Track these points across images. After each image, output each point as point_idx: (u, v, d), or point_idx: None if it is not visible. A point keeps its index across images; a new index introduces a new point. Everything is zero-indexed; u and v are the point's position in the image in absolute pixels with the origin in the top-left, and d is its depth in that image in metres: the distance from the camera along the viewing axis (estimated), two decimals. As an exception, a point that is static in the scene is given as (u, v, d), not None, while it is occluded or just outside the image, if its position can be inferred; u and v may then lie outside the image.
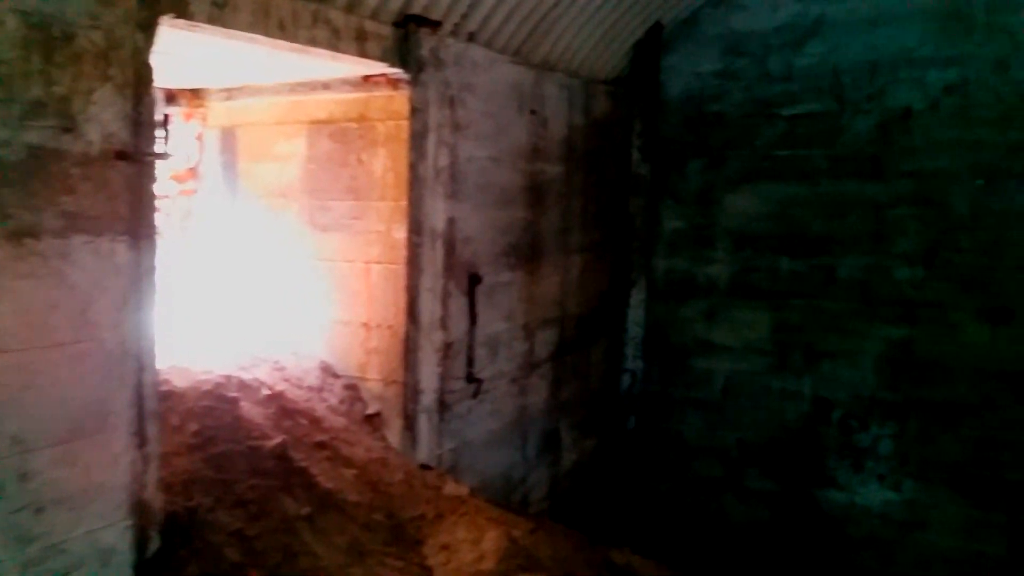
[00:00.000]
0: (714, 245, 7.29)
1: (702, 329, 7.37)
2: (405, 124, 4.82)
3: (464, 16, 5.01)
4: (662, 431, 7.57)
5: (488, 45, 5.35)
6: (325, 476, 4.38)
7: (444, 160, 4.96)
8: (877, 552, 6.82)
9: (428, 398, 4.92)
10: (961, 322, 6.43)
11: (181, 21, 3.38)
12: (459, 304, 5.19)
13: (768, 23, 6.90)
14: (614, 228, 7.30)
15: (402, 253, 4.84)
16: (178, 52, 3.96)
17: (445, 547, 4.24)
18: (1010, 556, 6.35)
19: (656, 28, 6.94)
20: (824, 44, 6.72)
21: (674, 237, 7.45)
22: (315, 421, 4.80)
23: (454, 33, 5.02)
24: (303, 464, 4.31)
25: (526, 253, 5.97)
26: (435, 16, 4.79)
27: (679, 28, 7.19)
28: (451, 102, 5.01)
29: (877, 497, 6.80)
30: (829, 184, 6.81)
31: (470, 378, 5.31)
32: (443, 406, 5.07)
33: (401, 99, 4.84)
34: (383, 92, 4.96)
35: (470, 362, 5.30)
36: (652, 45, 7.03)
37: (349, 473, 4.55)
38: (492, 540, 4.20)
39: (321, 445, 4.57)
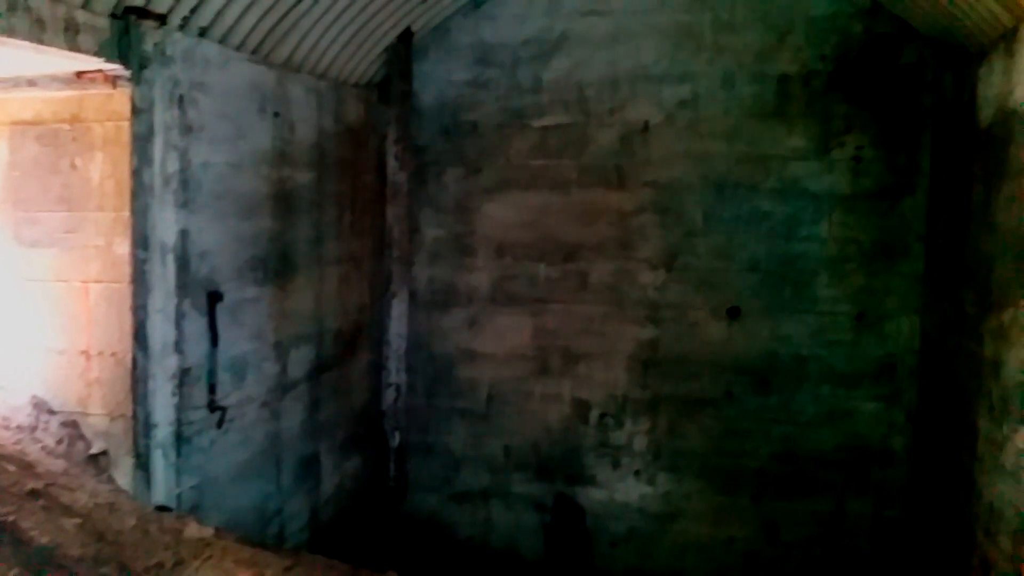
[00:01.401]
0: (475, 253, 7.29)
1: (465, 338, 7.34)
2: (126, 126, 4.41)
3: (193, 10, 4.60)
4: (428, 445, 7.45)
5: (223, 42, 4.94)
6: (40, 530, 3.81)
7: (174, 165, 4.51)
8: (637, 546, 7.12)
9: (163, 432, 4.42)
10: (700, 320, 6.88)
11: None
12: (197, 325, 4.73)
13: (517, 36, 7.01)
14: (373, 237, 7.08)
15: (126, 270, 4.35)
16: None
17: (186, 598, 3.82)
18: (756, 537, 6.87)
19: (407, 34, 6.81)
20: (569, 59, 6.94)
21: (435, 246, 7.37)
22: (27, 466, 4.20)
23: (183, 27, 4.60)
24: (11, 518, 3.72)
25: (275, 266, 5.59)
26: (160, 8, 4.39)
27: (431, 35, 7.12)
28: (181, 102, 4.57)
29: (634, 492, 7.11)
30: (579, 193, 7.04)
31: (213, 406, 4.85)
32: (181, 440, 4.57)
33: (122, 98, 4.41)
34: (101, 90, 4.49)
35: (212, 388, 4.85)
36: (404, 51, 6.89)
37: (70, 523, 3.99)
38: (240, 584, 3.84)
39: (34, 493, 3.99)
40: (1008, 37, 4.83)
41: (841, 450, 6.67)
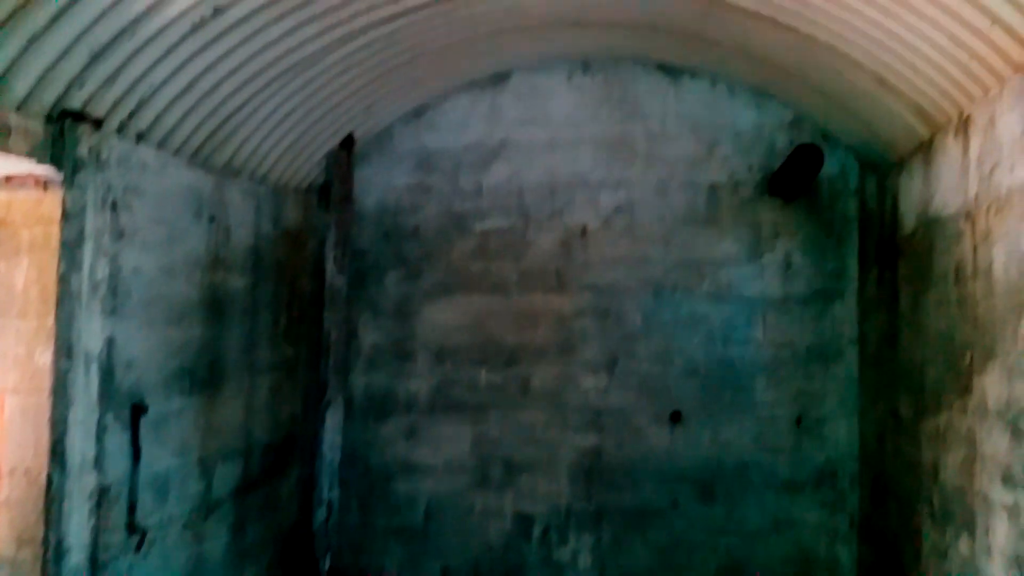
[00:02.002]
0: (414, 359, 7.15)
1: (403, 449, 7.10)
2: (56, 230, 4.26)
3: (132, 114, 4.53)
4: (362, 568, 7.06)
5: (161, 146, 4.87)
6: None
7: (103, 271, 4.36)
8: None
9: (76, 558, 4.09)
10: (643, 426, 6.82)
11: None
12: (119, 439, 4.48)
13: (458, 142, 7.12)
14: (309, 344, 6.89)
15: (46, 381, 4.11)
16: None
17: None
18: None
19: (349, 139, 6.85)
20: (509, 165, 7.06)
21: (373, 352, 7.21)
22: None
23: (120, 131, 4.52)
24: None
25: (204, 375, 5.38)
26: (98, 112, 4.32)
27: (373, 141, 7.18)
28: (114, 206, 4.46)
29: (579, 608, 6.84)
30: (520, 296, 7.03)
31: (132, 528, 4.54)
32: (96, 566, 4.24)
33: (52, 202, 4.28)
34: (30, 194, 4.37)
35: (132, 508, 4.56)
36: (345, 156, 6.92)
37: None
38: None
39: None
40: (926, 148, 5.09)
41: (788, 562, 6.55)
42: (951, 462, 4.60)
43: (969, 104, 4.34)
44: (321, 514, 6.83)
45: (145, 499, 4.70)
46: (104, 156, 4.35)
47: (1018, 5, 3.42)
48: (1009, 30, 3.60)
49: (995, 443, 3.99)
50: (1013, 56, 3.72)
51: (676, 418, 6.77)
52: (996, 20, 3.62)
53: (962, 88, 4.29)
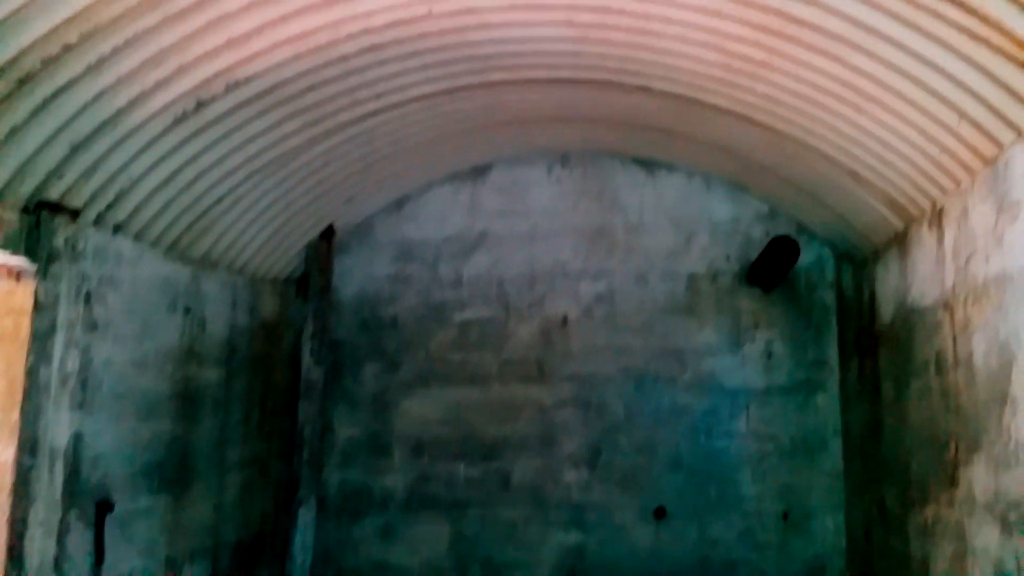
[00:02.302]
0: (391, 453, 6.98)
1: (378, 549, 6.84)
2: (26, 321, 4.14)
3: (110, 206, 4.52)
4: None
5: (138, 238, 4.84)
6: None
7: (74, 364, 4.27)
8: None
9: (29, 670, 3.85)
10: (626, 523, 6.64)
11: None
12: (82, 540, 4.31)
13: (438, 233, 7.16)
14: (282, 438, 6.72)
15: (7, 479, 3.94)
16: None
17: None
18: None
19: (329, 231, 6.86)
20: (489, 255, 7.08)
21: (348, 446, 7.03)
22: None
23: (98, 223, 4.50)
24: None
25: (173, 472, 5.23)
26: (75, 203, 4.31)
27: (354, 231, 7.20)
28: (88, 298, 4.41)
29: None
30: (500, 387, 6.94)
31: (93, 634, 4.30)
32: (51, 676, 3.99)
33: (24, 293, 4.21)
34: (2, 284, 4.22)
35: (93, 613, 4.32)
36: (325, 247, 6.91)
37: None
38: None
39: None
40: (900, 239, 5.16)
41: (780, 662, 6.34)
42: (941, 556, 4.50)
43: (942, 196, 4.43)
44: (292, 619, 6.53)
45: (107, 604, 4.49)
46: (80, 247, 4.32)
47: (984, 102, 3.53)
48: (977, 125, 3.70)
49: (985, 536, 3.91)
50: (982, 150, 3.82)
51: (660, 514, 6.61)
52: (964, 116, 3.73)
53: (934, 181, 4.38)
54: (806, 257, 6.62)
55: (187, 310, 5.37)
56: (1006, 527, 3.67)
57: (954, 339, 4.31)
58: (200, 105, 4.39)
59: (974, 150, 3.87)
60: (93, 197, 4.37)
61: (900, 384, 5.19)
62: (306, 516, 6.68)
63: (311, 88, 4.75)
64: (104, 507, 4.48)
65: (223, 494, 5.84)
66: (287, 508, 6.68)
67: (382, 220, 7.23)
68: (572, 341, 6.92)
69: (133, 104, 4.08)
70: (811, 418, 6.58)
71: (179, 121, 4.39)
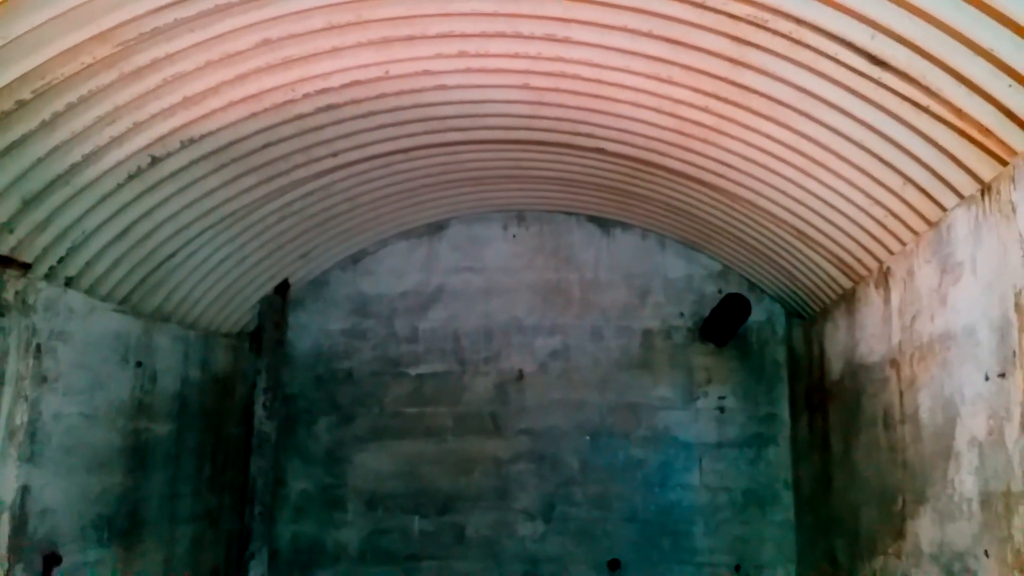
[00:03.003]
0: (345, 507, 6.89)
1: (331, 608, 6.72)
2: (-27, 375, 4.02)
3: (62, 259, 4.46)
4: None
5: (90, 292, 4.78)
6: None
7: (23, 417, 4.23)
8: None
9: None
10: (581, 575, 6.61)
11: None
12: (26, 598, 4.15)
13: (394, 288, 7.18)
14: (233, 492, 6.60)
15: (-52, 537, 3.80)
16: None
17: None
18: None
19: (284, 285, 6.83)
20: (445, 310, 7.11)
21: (301, 500, 6.93)
22: None
23: (49, 277, 4.43)
24: None
25: (123, 525, 5.15)
26: (25, 257, 4.24)
27: (309, 287, 7.18)
28: (38, 351, 4.34)
29: None
30: (455, 441, 6.93)
31: None
32: None
33: (-29, 346, 4.07)
34: (-52, 337, 4.13)
35: (34, 678, 4.18)
36: (280, 302, 6.88)
37: None
38: None
39: None
40: (848, 297, 5.32)
41: None
42: (891, 610, 4.57)
43: (888, 257, 4.59)
44: None
45: (51, 665, 4.38)
46: (30, 301, 4.26)
47: (927, 167, 3.69)
48: (921, 189, 3.86)
49: (932, 589, 3.98)
50: (926, 213, 3.98)
51: (615, 566, 6.61)
52: (908, 180, 3.89)
53: (880, 242, 4.54)
54: (758, 314, 6.77)
55: (138, 364, 5.30)
56: (951, 579, 3.76)
57: (901, 395, 4.44)
58: (155, 161, 4.39)
59: (919, 213, 4.03)
60: (44, 251, 4.32)
61: (849, 438, 5.31)
62: (258, 569, 6.58)
63: (267, 145, 4.79)
64: (52, 560, 4.40)
65: (174, 547, 5.74)
66: (239, 561, 6.57)
67: (338, 275, 7.23)
68: (527, 396, 6.95)
69: (87, 160, 4.06)
70: (763, 471, 6.68)
71: (133, 176, 4.38)
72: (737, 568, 6.52)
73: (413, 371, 7.05)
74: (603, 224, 7.14)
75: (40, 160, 3.86)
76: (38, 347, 4.33)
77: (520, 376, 6.99)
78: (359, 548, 6.82)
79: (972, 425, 3.56)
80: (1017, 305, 3.15)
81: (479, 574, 6.70)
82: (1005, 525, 3.23)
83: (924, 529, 4.08)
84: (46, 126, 3.73)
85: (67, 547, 4.56)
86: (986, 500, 3.42)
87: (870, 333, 4.94)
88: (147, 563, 5.41)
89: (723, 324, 6.56)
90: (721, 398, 6.81)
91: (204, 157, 4.59)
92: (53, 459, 4.46)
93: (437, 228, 7.24)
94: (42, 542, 4.37)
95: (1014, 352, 3.17)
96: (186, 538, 5.90)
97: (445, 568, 6.73)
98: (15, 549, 4.14)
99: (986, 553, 3.40)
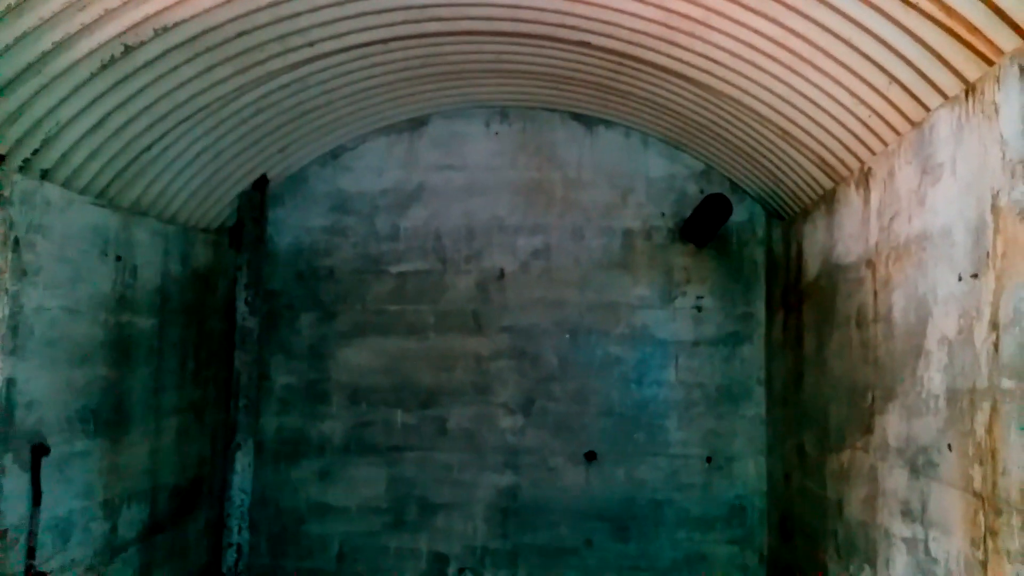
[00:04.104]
0: (328, 400, 7.03)
1: (316, 491, 6.95)
2: (-49, 269, 4.00)
3: (36, 152, 4.36)
4: (272, 612, 6.85)
5: (66, 185, 4.70)
6: None
7: (4, 310, 4.21)
8: None
9: (-35, 614, 3.83)
10: (558, 466, 6.86)
11: None
12: (19, 481, 4.33)
13: (374, 186, 7.11)
14: (218, 386, 6.70)
15: (-64, 427, 3.85)
16: None
17: None
18: None
19: (262, 180, 6.75)
20: (426, 209, 7.08)
21: (285, 393, 7.05)
22: None
23: (23, 169, 4.34)
24: None
25: (109, 417, 5.21)
26: (-1, 149, 4.12)
27: (287, 183, 7.10)
28: (16, 244, 4.29)
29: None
30: (437, 338, 7.02)
31: (31, 572, 4.38)
32: (-12, 620, 4.00)
33: (-52, 240, 4.04)
34: (-77, 231, 4.09)
35: (31, 552, 4.41)
36: (258, 197, 6.81)
37: None
38: None
39: None
40: (829, 198, 5.35)
41: (700, 597, 6.68)
42: (854, 498, 4.78)
43: (870, 157, 4.59)
44: (231, 557, 6.64)
45: (46, 542, 4.55)
46: (6, 193, 4.19)
47: (913, 66, 3.66)
48: (906, 88, 3.84)
49: (895, 479, 4.17)
50: (909, 113, 3.97)
51: (591, 457, 6.84)
52: (894, 79, 3.86)
53: (863, 142, 4.54)
54: (738, 214, 6.80)
55: (118, 258, 5.27)
56: (914, 470, 3.93)
57: (875, 295, 4.53)
58: (128, 50, 4.25)
59: (902, 113, 4.01)
60: (18, 143, 4.22)
61: (822, 337, 5.44)
62: (244, 460, 6.75)
63: (241, 34, 4.63)
64: (40, 450, 4.47)
65: (160, 439, 5.84)
66: (224, 453, 6.75)
67: (317, 171, 7.14)
68: (508, 294, 7.01)
69: (58, 48, 3.92)
70: (737, 368, 6.85)
71: (107, 66, 4.25)
72: (708, 460, 6.78)
73: (394, 269, 7.07)
74: (587, 122, 7.06)
75: (8, 48, 3.73)
76: (16, 240, 4.28)
77: (501, 275, 7.04)
78: (343, 440, 7.00)
79: (943, 324, 3.64)
80: (994, 207, 3.18)
81: (460, 464, 6.92)
82: (968, 420, 3.36)
83: (892, 424, 4.23)
84: (12, 11, 3.59)
85: (54, 438, 4.64)
86: (952, 397, 3.53)
87: (848, 234, 4.99)
88: (134, 454, 5.51)
89: (704, 224, 6.59)
90: (699, 297, 6.91)
91: (178, 46, 4.45)
92: (37, 352, 4.48)
93: (418, 124, 7.13)
94: (29, 433, 4.44)
95: (988, 253, 3.22)
96: (171, 429, 6.00)
97: (427, 458, 6.94)
98: (3, 440, 4.21)
99: (949, 447, 3.54)
